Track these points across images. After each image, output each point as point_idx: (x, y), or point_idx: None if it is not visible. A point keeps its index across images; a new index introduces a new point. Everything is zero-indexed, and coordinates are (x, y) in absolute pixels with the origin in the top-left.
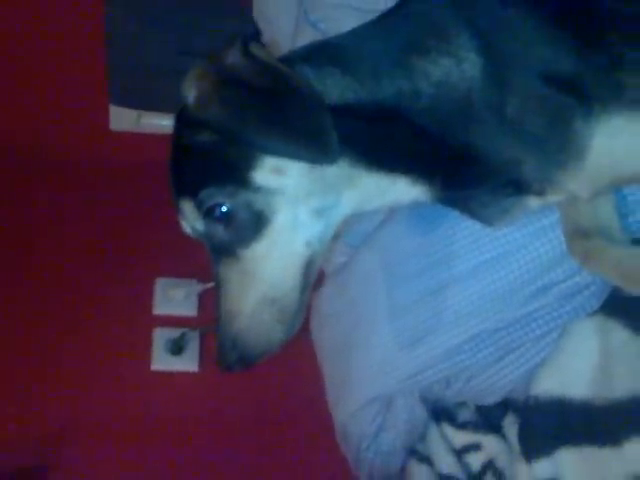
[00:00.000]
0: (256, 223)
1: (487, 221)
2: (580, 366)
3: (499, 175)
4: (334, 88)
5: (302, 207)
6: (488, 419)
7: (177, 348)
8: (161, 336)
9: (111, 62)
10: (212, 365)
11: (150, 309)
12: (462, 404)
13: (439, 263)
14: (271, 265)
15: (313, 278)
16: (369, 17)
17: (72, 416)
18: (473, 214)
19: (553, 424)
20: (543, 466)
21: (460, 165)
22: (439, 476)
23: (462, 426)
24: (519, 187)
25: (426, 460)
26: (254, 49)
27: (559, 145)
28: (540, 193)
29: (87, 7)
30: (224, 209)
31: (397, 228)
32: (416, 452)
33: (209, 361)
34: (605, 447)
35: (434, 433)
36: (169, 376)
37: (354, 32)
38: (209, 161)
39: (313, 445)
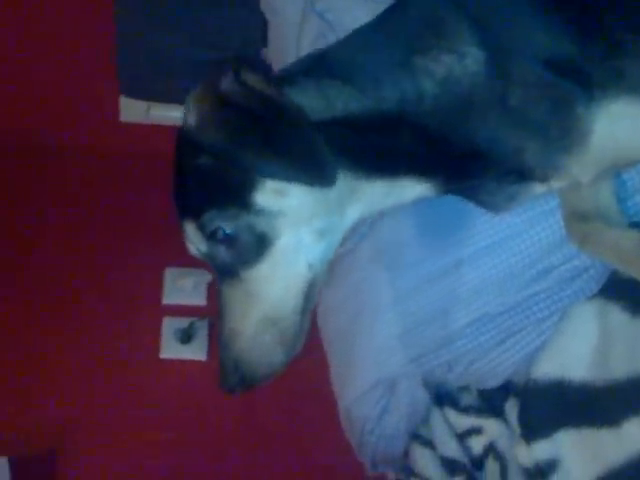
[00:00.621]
0: (259, 245)
1: (493, 208)
2: (579, 349)
3: (502, 165)
4: (336, 100)
5: (305, 228)
6: (490, 403)
7: (186, 337)
8: (170, 325)
9: (121, 54)
10: None
11: (159, 298)
12: (464, 388)
13: (441, 249)
14: (273, 287)
15: (314, 300)
16: (375, 7)
17: (82, 403)
18: (480, 202)
19: (552, 406)
20: (543, 447)
21: (463, 159)
22: (441, 459)
23: (464, 410)
24: (522, 175)
25: (429, 444)
26: (245, 75)
27: (562, 131)
28: (543, 180)
29: (97, 0)
30: (227, 232)
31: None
32: (419, 436)
33: (217, 350)
34: (603, 428)
35: (437, 417)
36: (178, 364)
37: (350, 40)
38: (210, 184)
39: (318, 431)
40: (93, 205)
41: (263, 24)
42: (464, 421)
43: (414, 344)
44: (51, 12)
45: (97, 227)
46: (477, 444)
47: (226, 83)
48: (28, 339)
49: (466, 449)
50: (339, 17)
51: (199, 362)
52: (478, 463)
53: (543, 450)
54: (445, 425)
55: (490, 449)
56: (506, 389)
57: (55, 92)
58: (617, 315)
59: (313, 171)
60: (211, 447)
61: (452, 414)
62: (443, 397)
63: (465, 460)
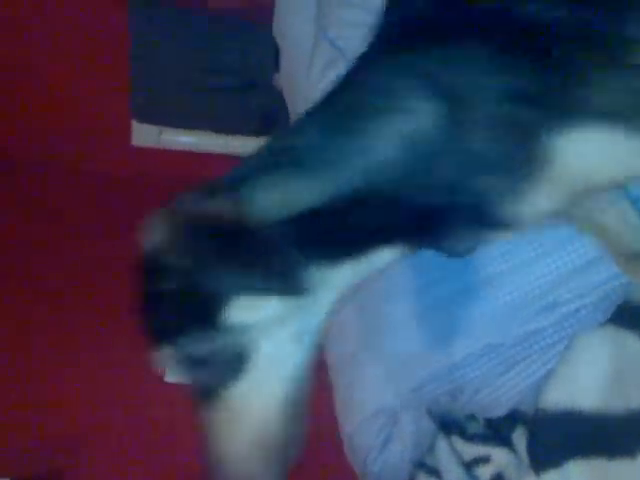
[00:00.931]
0: (236, 362)
1: (459, 255)
2: (590, 377)
3: (471, 213)
4: (298, 194)
5: (281, 336)
6: (497, 432)
7: None
8: None
9: (134, 79)
10: None
11: None
12: (471, 417)
13: (446, 278)
14: (256, 403)
15: (303, 407)
16: None
17: (86, 424)
18: (447, 251)
19: (562, 436)
20: (552, 478)
21: (432, 217)
22: None
23: (471, 439)
24: (489, 223)
25: (434, 472)
26: (212, 198)
27: (525, 159)
28: (510, 223)
29: (112, 25)
30: (202, 354)
31: None
32: (424, 465)
33: None
34: (615, 459)
35: (443, 446)
36: (182, 387)
37: (301, 123)
38: (181, 306)
39: (321, 456)
40: (104, 228)
41: (275, 50)
42: (471, 450)
43: (413, 374)
44: (66, 36)
45: (106, 249)
46: (484, 473)
47: (190, 206)
48: (32, 360)
49: (473, 478)
50: (350, 45)
51: None
52: None
53: None
54: (451, 453)
55: (498, 479)
56: (513, 418)
57: (68, 116)
58: (633, 343)
59: (283, 285)
60: None
61: (459, 442)
62: (450, 425)
63: None
